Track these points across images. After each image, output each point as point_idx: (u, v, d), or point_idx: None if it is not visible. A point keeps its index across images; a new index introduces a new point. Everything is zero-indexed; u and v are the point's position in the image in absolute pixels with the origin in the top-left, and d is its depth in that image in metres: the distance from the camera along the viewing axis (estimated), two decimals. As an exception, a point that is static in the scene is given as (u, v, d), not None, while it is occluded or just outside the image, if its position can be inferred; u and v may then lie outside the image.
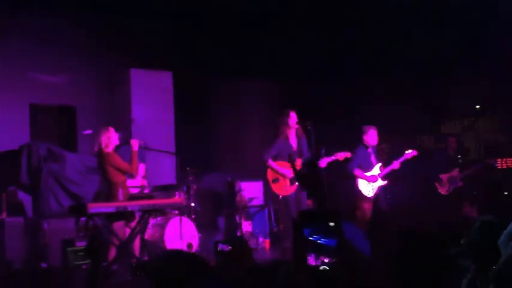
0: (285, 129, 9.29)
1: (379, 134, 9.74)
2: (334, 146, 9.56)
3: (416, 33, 10.90)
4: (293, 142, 9.34)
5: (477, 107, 12.29)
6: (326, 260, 5.03)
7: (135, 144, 8.27)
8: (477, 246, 3.94)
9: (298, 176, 8.72)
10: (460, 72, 11.05)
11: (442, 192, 10.95)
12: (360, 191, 9.57)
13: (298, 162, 9.45)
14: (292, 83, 12.13)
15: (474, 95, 11.72)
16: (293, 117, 9.30)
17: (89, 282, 4.31)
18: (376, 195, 9.57)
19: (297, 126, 9.35)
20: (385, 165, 9.75)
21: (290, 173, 9.11)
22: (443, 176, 10.92)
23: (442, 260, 3.19)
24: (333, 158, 9.19)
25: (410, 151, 9.73)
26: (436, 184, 10.97)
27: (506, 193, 11.08)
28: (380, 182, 9.62)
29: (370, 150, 9.75)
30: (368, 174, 9.63)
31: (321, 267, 4.31)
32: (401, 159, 9.71)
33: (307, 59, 11.60)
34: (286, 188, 9.15)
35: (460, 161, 11.16)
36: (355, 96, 11.68)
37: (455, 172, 10.92)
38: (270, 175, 9.21)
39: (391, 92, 11.31)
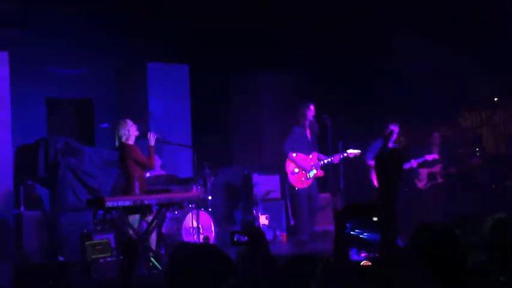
0: (303, 121, 9.33)
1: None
2: (351, 141, 9.56)
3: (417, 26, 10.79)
4: (308, 134, 9.37)
5: (495, 99, 12.16)
6: (367, 255, 4.99)
7: (152, 138, 8.28)
8: (492, 246, 3.84)
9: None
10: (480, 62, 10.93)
11: (419, 186, 10.87)
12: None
13: (313, 157, 9.44)
14: (311, 76, 12.05)
15: (493, 87, 11.59)
16: (312, 110, 9.35)
17: (122, 278, 4.30)
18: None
19: (313, 119, 9.37)
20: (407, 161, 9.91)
21: (309, 167, 9.12)
22: (423, 171, 10.83)
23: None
24: (345, 154, 9.23)
25: (431, 154, 9.92)
26: (415, 178, 10.92)
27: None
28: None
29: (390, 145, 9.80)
30: None
31: (362, 262, 4.26)
32: (420, 160, 10.04)
33: (327, 51, 11.51)
34: (303, 181, 9.15)
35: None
36: (373, 90, 11.59)
37: (436, 168, 10.80)
38: (288, 166, 9.23)
39: (409, 85, 11.21)
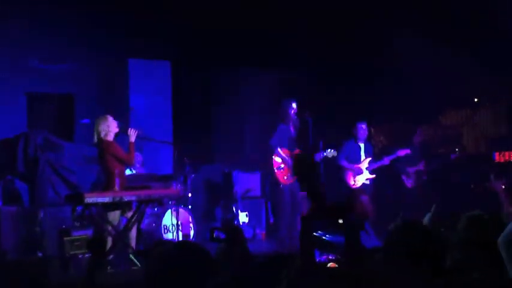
0: (286, 118, 9.40)
1: (379, 125, 9.94)
2: (332, 138, 9.64)
3: (417, 26, 10.84)
4: (292, 131, 9.44)
5: (475, 99, 12.25)
6: (332, 257, 5.00)
7: (133, 134, 8.24)
8: (467, 243, 3.84)
9: (293, 169, 8.85)
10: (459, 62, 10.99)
11: (408, 186, 11.01)
12: (348, 183, 9.90)
13: (296, 152, 9.49)
14: (292, 74, 12.07)
15: (474, 86, 11.67)
16: (294, 107, 9.42)
17: (88, 275, 4.29)
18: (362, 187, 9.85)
19: (295, 116, 9.44)
20: (375, 159, 10.07)
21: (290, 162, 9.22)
22: (410, 169, 10.96)
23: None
24: (322, 154, 9.34)
25: (403, 149, 10.09)
26: (403, 177, 11.03)
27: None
28: (366, 175, 9.91)
29: (359, 144, 10.12)
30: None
31: (329, 264, 4.28)
32: (393, 156, 10.09)
33: (309, 49, 11.53)
34: (288, 177, 9.21)
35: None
36: (355, 89, 11.63)
37: (420, 166, 10.94)
38: (275, 162, 9.28)
39: (391, 84, 11.27)
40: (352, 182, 10.11)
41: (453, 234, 4.00)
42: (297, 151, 9.50)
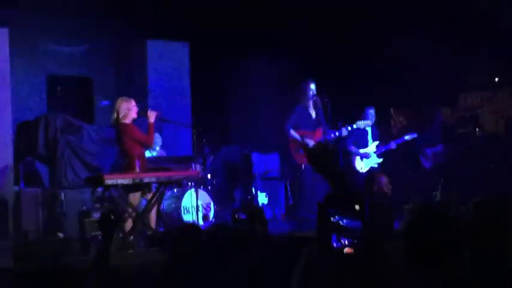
0: (304, 99, 9.36)
1: (398, 107, 9.89)
2: (352, 120, 9.60)
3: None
4: (311, 112, 9.40)
5: (496, 79, 12.12)
6: (348, 242, 5.00)
7: (152, 115, 8.24)
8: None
9: (309, 157, 8.79)
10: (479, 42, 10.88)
11: (426, 166, 10.97)
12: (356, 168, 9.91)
13: (318, 133, 9.46)
14: (311, 56, 12.00)
15: (494, 67, 11.55)
16: (312, 88, 9.37)
17: (99, 255, 4.30)
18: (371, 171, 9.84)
19: (315, 97, 9.40)
20: (385, 142, 10.06)
21: (312, 142, 9.18)
22: (428, 150, 10.92)
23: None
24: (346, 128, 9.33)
25: (410, 135, 10.04)
26: (421, 157, 10.98)
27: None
28: (374, 160, 9.90)
29: (366, 129, 10.06)
30: (362, 151, 10.04)
31: (345, 250, 4.28)
32: (399, 141, 10.07)
33: (327, 31, 11.46)
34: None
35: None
36: (373, 69, 11.54)
37: (439, 148, 10.88)
38: (292, 144, 9.26)
39: (409, 65, 11.18)
40: (359, 167, 10.11)
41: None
42: (319, 131, 9.46)
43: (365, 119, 9.96)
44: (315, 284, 2.96)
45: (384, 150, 10.13)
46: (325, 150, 4.81)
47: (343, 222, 4.85)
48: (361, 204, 4.42)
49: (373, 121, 10.18)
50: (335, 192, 4.70)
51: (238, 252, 3.55)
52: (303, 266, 3.04)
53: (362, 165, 10.09)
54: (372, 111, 10.14)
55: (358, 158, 10.13)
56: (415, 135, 10.23)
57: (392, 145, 10.16)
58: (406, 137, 10.18)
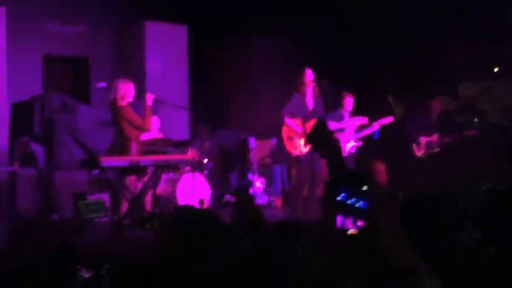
0: (301, 87, 9.21)
1: (396, 94, 9.78)
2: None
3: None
4: (309, 100, 9.26)
5: (495, 69, 12.07)
6: (353, 224, 4.96)
7: (149, 98, 8.16)
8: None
9: (308, 137, 8.68)
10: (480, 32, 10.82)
11: (417, 154, 10.87)
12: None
13: (312, 122, 9.37)
14: (309, 41, 11.91)
15: (493, 56, 11.49)
16: (309, 75, 9.21)
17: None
18: (350, 154, 9.64)
19: (313, 84, 9.26)
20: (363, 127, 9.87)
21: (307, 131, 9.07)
22: (423, 139, 10.85)
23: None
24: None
25: (387, 117, 9.85)
26: (414, 145, 10.90)
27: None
28: (353, 143, 9.69)
29: (345, 113, 9.71)
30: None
31: (349, 231, 4.25)
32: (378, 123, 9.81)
33: (324, 17, 11.37)
34: (299, 147, 9.09)
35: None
36: (370, 57, 11.46)
37: (434, 137, 10.81)
38: (285, 133, 9.14)
39: (405, 55, 11.12)
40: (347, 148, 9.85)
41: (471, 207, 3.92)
42: (312, 120, 9.36)
43: (343, 104, 9.73)
44: (319, 264, 2.93)
45: (366, 133, 9.84)
46: (325, 127, 4.73)
47: (349, 201, 4.81)
48: (369, 185, 4.39)
49: (350, 108, 9.88)
50: (342, 172, 4.64)
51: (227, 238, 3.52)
52: (303, 249, 3.01)
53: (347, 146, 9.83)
54: (349, 98, 9.83)
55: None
56: (391, 119, 9.98)
57: (375, 126, 9.85)
58: (385, 120, 9.92)
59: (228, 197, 4.84)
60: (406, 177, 10.01)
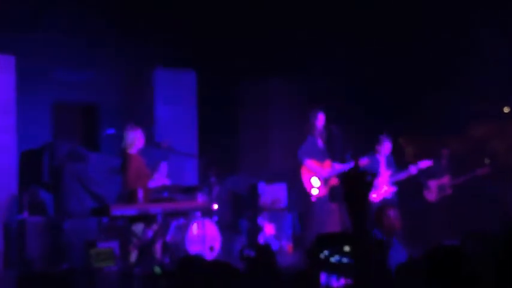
0: (313, 130, 9.33)
1: (407, 136, 9.75)
2: (361, 150, 9.48)
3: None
4: (320, 143, 9.36)
5: (505, 110, 12.04)
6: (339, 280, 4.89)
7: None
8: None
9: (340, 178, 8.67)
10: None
11: (430, 199, 10.83)
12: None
13: (327, 163, 9.38)
14: (320, 85, 11.91)
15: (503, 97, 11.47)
16: (320, 119, 9.34)
17: None
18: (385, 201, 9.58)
19: (322, 128, 9.36)
20: (399, 170, 9.82)
21: (325, 173, 9.10)
22: (432, 183, 10.79)
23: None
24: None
25: (425, 162, 9.81)
26: (424, 191, 10.85)
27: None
28: (387, 188, 9.67)
29: (380, 158, 9.78)
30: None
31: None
32: (418, 166, 9.74)
33: (336, 60, 11.38)
34: (319, 188, 9.12)
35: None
36: (383, 99, 11.46)
37: (445, 179, 10.77)
38: (305, 175, 9.18)
39: (419, 95, 11.11)
40: (372, 197, 9.86)
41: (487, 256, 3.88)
42: (327, 162, 9.39)
43: (378, 147, 9.76)
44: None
45: (403, 176, 9.84)
46: (364, 176, 4.63)
47: (334, 259, 4.74)
48: (355, 245, 4.37)
49: (388, 150, 9.92)
50: (323, 235, 4.66)
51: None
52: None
53: (375, 195, 9.84)
54: (386, 140, 9.84)
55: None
56: (430, 163, 9.96)
57: (413, 170, 9.82)
58: (423, 164, 9.92)
59: (247, 251, 4.82)
60: (423, 223, 9.96)
